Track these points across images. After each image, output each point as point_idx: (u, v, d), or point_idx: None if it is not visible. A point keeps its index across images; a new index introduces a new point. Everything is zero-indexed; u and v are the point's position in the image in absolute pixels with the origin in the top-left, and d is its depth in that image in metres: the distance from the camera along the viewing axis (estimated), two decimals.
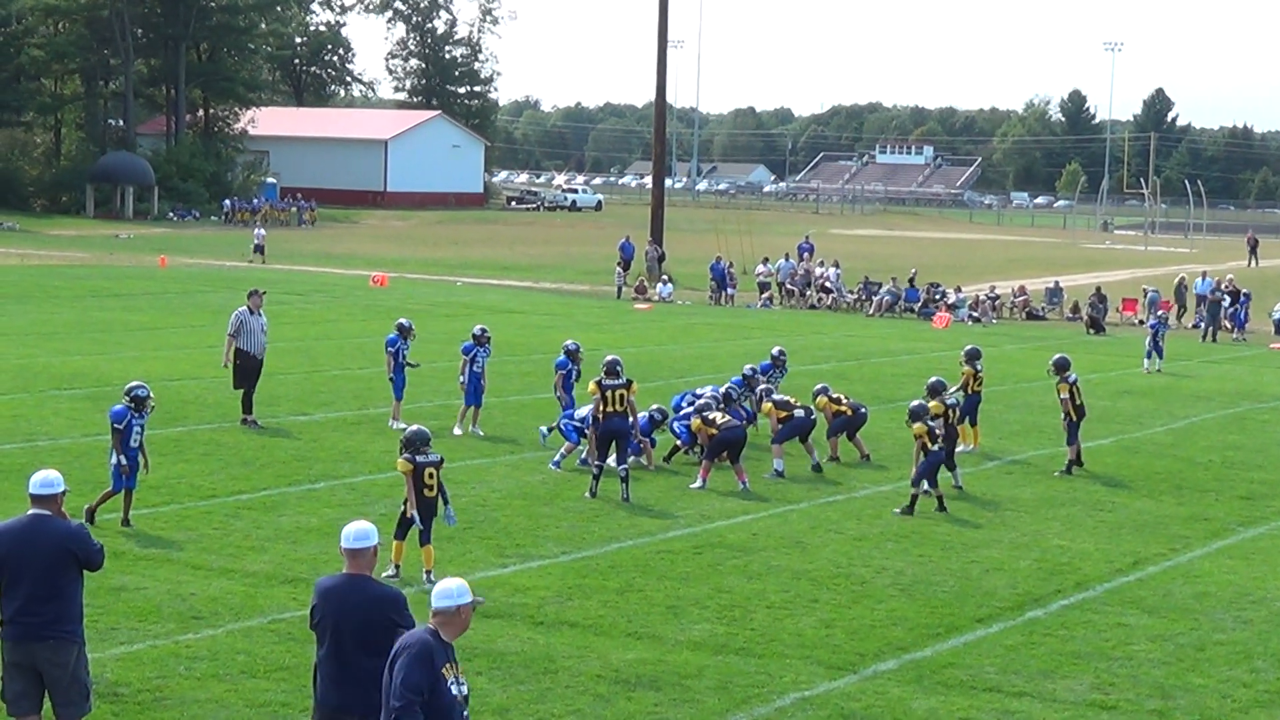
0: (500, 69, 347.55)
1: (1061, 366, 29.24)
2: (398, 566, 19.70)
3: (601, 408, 25.24)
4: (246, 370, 30.52)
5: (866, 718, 15.45)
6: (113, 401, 32.02)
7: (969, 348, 31.35)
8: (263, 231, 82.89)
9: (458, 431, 29.88)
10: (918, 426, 24.95)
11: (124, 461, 21.64)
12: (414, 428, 20.02)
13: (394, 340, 31.11)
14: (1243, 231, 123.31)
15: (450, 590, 10.57)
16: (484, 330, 31.08)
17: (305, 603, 12.69)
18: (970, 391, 30.22)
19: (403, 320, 31.91)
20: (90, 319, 48.86)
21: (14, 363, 37.54)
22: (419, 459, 19.50)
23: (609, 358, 26.16)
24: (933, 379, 26.89)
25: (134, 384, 22.51)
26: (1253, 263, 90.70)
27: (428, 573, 19.54)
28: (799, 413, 27.99)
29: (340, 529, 12.06)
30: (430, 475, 19.54)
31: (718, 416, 26.42)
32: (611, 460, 25.37)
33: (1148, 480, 28.26)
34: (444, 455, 20.24)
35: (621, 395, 25.27)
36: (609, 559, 21.11)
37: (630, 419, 25.58)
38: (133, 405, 21.90)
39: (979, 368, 30.57)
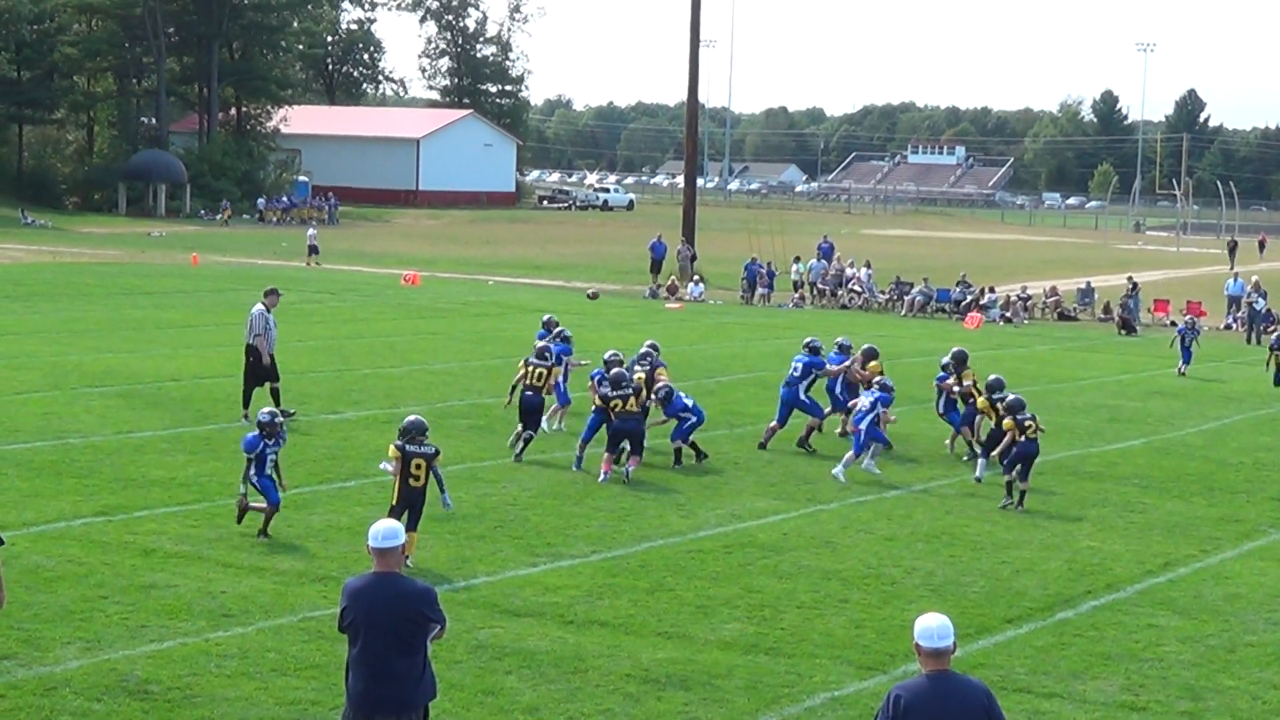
0: (532, 68, 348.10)
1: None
2: (407, 558, 19.77)
3: (619, 406, 26.46)
4: (260, 368, 30.69)
5: None
6: (144, 398, 32.32)
7: (956, 350, 31.84)
8: (315, 231, 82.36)
9: (556, 427, 30.47)
10: (1007, 421, 25.37)
11: (244, 490, 21.46)
12: (411, 418, 20.36)
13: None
14: (1275, 232, 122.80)
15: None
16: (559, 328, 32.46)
17: (335, 601, 12.71)
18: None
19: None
20: (122, 317, 49.00)
21: (46, 360, 37.66)
22: (409, 448, 19.89)
23: (615, 370, 27.44)
24: (1014, 398, 26.53)
25: (262, 411, 22.18)
26: (1232, 265, 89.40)
27: (406, 557, 19.64)
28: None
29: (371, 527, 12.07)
30: (418, 465, 19.88)
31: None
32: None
33: (1179, 481, 28.18)
34: (467, 449, 20.24)
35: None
36: (639, 558, 21.11)
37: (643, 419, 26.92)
38: (265, 433, 21.57)
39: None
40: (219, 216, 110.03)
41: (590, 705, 15.32)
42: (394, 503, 19.98)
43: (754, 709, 15.45)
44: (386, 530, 11.73)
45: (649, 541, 22.08)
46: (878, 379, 28.79)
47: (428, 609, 11.61)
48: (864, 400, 28.13)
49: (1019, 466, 25.14)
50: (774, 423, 29.97)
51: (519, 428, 28.00)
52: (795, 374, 30.15)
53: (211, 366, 37.57)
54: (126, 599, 18.13)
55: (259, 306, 31.30)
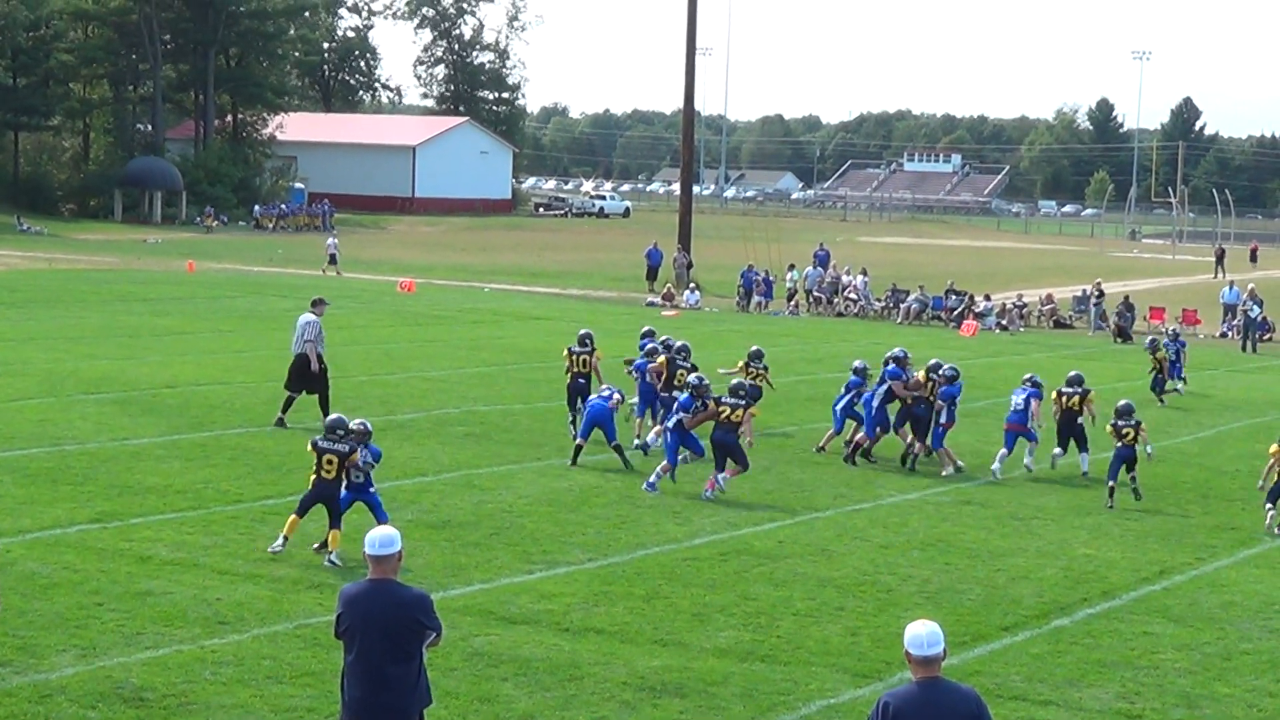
0: (528, 75, 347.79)
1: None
2: (286, 539, 20.69)
3: (718, 418, 26.07)
4: (308, 375, 30.83)
5: None
6: (139, 405, 32.27)
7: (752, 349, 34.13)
8: (335, 240, 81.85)
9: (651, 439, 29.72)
10: (1108, 428, 26.77)
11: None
12: (333, 416, 21.26)
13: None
14: (1270, 240, 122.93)
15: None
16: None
17: (331, 608, 12.70)
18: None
19: None
20: (118, 323, 48.95)
21: (42, 367, 37.63)
22: (321, 444, 20.55)
23: (735, 380, 27.86)
24: (1124, 403, 27.17)
25: (354, 422, 21.65)
26: (1219, 273, 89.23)
27: (331, 552, 20.39)
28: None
29: (366, 535, 12.05)
30: (330, 461, 20.38)
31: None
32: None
33: (1174, 489, 28.20)
34: (463, 456, 20.21)
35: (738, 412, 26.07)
36: (635, 566, 21.10)
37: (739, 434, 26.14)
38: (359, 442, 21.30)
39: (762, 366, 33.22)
40: (207, 223, 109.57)
41: (586, 713, 15.31)
42: (308, 489, 20.76)
43: (750, 716, 15.44)
44: (382, 538, 11.70)
45: (645, 549, 22.07)
46: (1027, 376, 29.98)
47: (423, 616, 11.59)
48: (1018, 398, 29.18)
49: (1119, 469, 26.41)
50: (884, 432, 29.83)
51: (571, 416, 30.30)
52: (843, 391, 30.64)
53: (207, 373, 37.56)
54: (122, 606, 18.11)
55: (309, 315, 31.27)
